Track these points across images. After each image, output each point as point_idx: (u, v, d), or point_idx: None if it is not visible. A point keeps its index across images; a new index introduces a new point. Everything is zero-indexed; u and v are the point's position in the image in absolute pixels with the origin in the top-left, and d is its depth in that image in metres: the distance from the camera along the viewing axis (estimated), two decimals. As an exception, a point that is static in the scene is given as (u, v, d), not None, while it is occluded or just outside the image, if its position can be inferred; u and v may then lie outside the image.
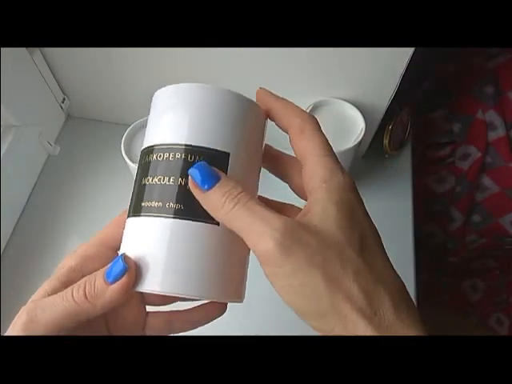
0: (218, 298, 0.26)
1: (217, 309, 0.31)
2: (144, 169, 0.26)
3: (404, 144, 0.65)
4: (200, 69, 0.53)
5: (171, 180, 0.25)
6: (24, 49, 0.54)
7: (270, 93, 0.27)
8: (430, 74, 0.73)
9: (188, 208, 0.25)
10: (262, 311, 0.51)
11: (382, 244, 0.24)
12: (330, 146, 0.26)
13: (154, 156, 0.26)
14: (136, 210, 0.26)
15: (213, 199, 0.24)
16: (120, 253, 0.26)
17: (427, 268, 0.78)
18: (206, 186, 0.24)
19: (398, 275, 0.24)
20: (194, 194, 0.25)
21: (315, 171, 0.25)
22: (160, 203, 0.25)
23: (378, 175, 0.63)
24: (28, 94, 0.57)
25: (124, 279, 0.24)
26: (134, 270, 0.24)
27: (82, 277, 0.26)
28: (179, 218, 0.25)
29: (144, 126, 0.51)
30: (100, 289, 0.24)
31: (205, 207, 0.25)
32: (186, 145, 0.25)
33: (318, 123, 0.26)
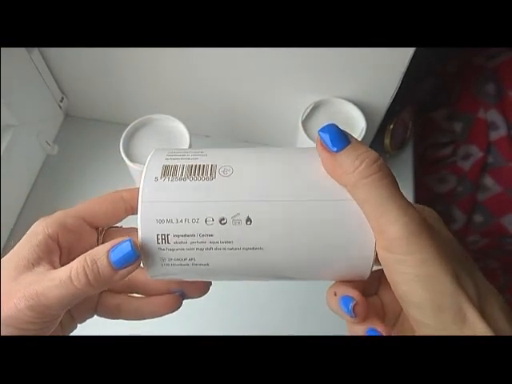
0: None
1: (169, 304, 0.29)
2: None
3: (405, 143, 0.65)
4: (199, 69, 0.53)
5: None
6: (22, 48, 0.53)
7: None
8: (431, 73, 0.72)
9: None
10: (261, 311, 0.51)
11: None
12: None
13: None
14: None
15: (343, 161, 0.22)
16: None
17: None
18: (335, 148, 0.23)
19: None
20: (322, 157, 0.23)
21: None
22: None
23: (378, 175, 0.63)
24: (26, 94, 0.56)
25: (133, 266, 0.23)
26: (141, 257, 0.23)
27: (58, 247, 0.26)
28: None
29: (142, 125, 0.50)
30: (107, 275, 0.23)
31: (331, 171, 0.23)
32: None
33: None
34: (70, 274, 0.23)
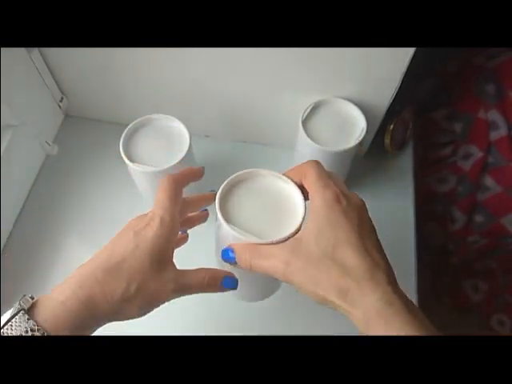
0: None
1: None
2: None
3: (405, 143, 0.65)
4: (200, 69, 0.53)
5: None
6: (22, 48, 0.53)
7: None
8: (431, 73, 0.72)
9: None
10: (261, 311, 0.51)
11: (358, 240, 0.30)
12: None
13: None
14: None
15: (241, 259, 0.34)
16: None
17: (428, 268, 0.78)
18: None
19: (374, 264, 0.30)
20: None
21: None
22: None
23: (379, 175, 0.63)
24: (26, 94, 0.56)
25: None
26: None
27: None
28: None
29: (142, 125, 0.50)
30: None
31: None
32: None
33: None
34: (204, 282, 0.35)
